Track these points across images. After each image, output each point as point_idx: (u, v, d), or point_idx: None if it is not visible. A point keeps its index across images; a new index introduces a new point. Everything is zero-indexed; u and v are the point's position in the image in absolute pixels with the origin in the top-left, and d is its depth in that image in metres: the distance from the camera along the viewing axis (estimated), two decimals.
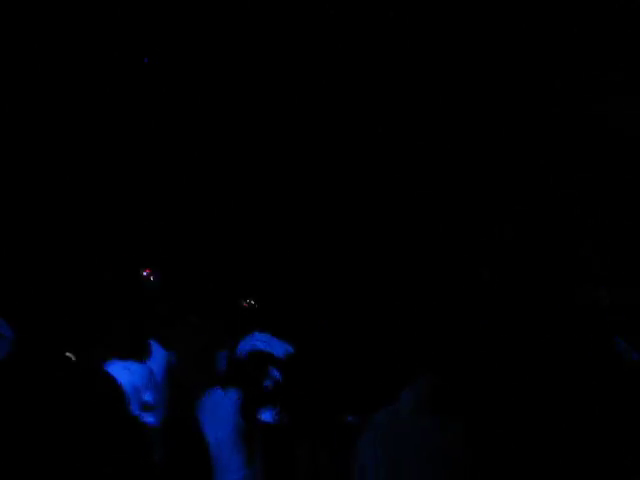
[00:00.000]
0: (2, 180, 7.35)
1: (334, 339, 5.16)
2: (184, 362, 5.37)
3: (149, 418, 4.86)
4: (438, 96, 8.12)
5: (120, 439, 2.58)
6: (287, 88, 8.28)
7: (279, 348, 5.05)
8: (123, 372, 4.77)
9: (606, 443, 2.57)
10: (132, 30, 7.15)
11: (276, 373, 4.81)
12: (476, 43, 7.58)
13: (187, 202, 9.02)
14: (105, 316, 6.88)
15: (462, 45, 7.64)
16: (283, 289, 8.59)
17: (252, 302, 8.67)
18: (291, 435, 4.36)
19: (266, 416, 4.27)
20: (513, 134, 8.12)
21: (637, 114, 7.15)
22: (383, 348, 4.76)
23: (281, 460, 4.31)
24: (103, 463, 2.33)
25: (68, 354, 4.80)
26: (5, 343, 4.19)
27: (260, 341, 4.77)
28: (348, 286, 8.31)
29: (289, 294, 8.27)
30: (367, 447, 2.52)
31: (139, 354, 5.02)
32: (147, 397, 4.72)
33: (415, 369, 2.61)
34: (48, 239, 7.90)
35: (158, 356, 5.28)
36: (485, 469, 2.35)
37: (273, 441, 4.26)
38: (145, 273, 8.85)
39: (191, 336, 5.65)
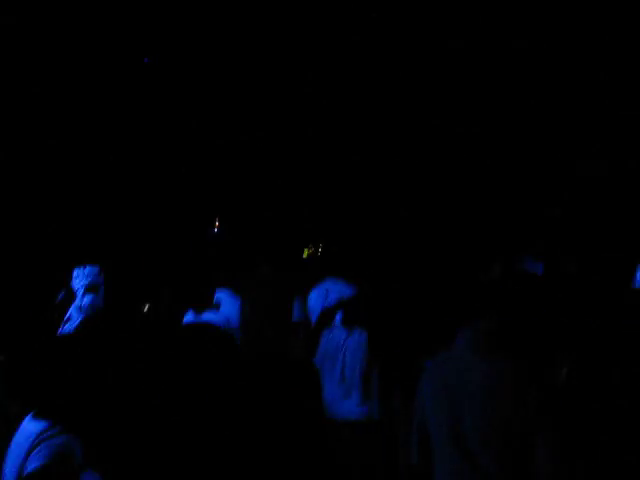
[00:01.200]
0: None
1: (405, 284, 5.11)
2: (259, 310, 5.44)
3: None
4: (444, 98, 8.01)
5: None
6: (287, 88, 8.19)
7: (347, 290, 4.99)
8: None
9: None
10: (132, 30, 7.12)
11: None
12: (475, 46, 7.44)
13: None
14: (180, 268, 7.03)
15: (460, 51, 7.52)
16: (350, 236, 8.59)
17: (320, 248, 8.73)
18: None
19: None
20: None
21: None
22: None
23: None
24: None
25: (147, 307, 4.94)
26: (101, 294, 4.34)
27: (335, 286, 4.73)
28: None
29: (357, 241, 8.26)
30: (427, 383, 2.56)
31: (214, 305, 5.13)
32: None
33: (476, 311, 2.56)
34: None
35: (233, 305, 5.37)
36: (535, 415, 2.26)
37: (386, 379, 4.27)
38: (215, 227, 8.97)
39: (264, 285, 5.70)
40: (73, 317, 4.26)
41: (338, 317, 4.42)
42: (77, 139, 7.61)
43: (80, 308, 4.24)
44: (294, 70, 8.02)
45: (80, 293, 4.30)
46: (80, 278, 4.34)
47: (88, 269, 4.38)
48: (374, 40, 7.73)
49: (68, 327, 4.15)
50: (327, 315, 4.53)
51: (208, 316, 4.85)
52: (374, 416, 4.14)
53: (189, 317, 4.89)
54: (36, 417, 2.24)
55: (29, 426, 2.22)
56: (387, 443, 4.10)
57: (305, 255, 8.46)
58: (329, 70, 8.03)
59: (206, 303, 5.01)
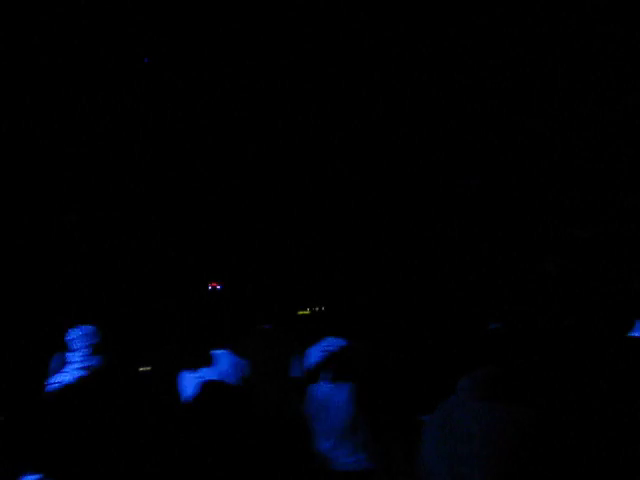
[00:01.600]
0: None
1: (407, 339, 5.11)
2: (257, 369, 5.40)
3: None
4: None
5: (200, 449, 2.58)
6: (287, 89, 8.27)
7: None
8: (197, 382, 4.86)
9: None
10: (132, 30, 7.19)
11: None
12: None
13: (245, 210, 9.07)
14: (176, 328, 6.98)
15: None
16: (349, 295, 8.57)
17: (319, 309, 8.72)
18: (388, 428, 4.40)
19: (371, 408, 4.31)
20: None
21: None
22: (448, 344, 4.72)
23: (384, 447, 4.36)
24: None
25: (143, 368, 4.90)
26: (101, 353, 4.27)
27: (334, 344, 4.76)
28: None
29: (355, 299, 8.24)
30: (427, 434, 2.52)
31: (211, 364, 5.11)
32: None
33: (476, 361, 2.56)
34: (122, 254, 8.05)
35: (230, 364, 5.34)
36: (536, 458, 2.24)
37: (378, 430, 4.32)
38: (212, 286, 8.96)
39: (262, 344, 5.67)
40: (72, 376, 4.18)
41: (324, 372, 4.49)
42: (76, 139, 7.61)
43: (86, 367, 4.16)
44: (294, 71, 8.05)
45: (84, 353, 4.22)
46: (79, 339, 4.27)
47: (86, 330, 4.32)
48: (373, 42, 7.79)
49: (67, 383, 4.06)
50: (316, 370, 4.58)
51: (204, 372, 4.85)
52: (367, 465, 4.20)
53: (184, 375, 4.89)
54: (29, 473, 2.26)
55: None
56: None
57: (305, 313, 8.44)
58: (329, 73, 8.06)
59: (203, 361, 5.00)
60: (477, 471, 2.27)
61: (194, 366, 4.98)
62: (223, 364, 5.28)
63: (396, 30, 7.45)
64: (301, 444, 4.25)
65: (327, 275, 9.22)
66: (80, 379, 3.86)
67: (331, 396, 4.29)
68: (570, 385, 2.69)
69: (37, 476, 2.26)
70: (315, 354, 4.70)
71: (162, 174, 8.51)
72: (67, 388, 2.60)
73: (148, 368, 4.91)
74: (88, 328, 4.26)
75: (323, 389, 4.37)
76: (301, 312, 8.82)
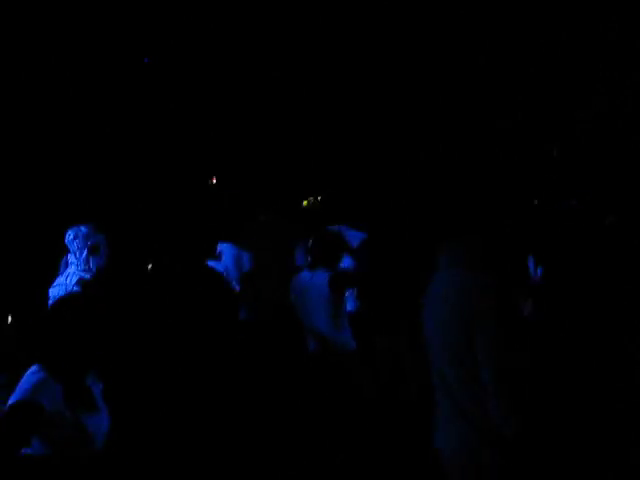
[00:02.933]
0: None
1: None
2: (259, 259, 5.42)
3: None
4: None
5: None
6: (287, 89, 8.04)
7: (353, 237, 5.01)
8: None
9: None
10: (132, 30, 6.97)
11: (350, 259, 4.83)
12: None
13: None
14: (177, 222, 6.98)
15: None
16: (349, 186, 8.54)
17: (319, 199, 8.67)
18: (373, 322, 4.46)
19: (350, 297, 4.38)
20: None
21: None
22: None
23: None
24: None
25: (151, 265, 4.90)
26: (103, 253, 4.22)
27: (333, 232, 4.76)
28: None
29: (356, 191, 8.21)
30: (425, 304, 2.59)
31: (212, 255, 5.13)
32: None
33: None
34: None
35: (232, 257, 5.36)
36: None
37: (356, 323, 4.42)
38: (211, 180, 8.90)
39: (263, 234, 5.66)
40: (72, 279, 4.17)
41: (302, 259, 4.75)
42: (76, 139, 7.55)
43: (86, 270, 4.13)
44: (294, 71, 7.93)
45: (84, 254, 4.17)
46: (80, 239, 4.21)
47: (85, 229, 4.25)
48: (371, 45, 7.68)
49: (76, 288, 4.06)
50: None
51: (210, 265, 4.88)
52: (349, 347, 4.36)
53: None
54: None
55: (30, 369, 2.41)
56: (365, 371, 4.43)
57: (305, 205, 8.39)
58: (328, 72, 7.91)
59: (208, 255, 5.02)
60: (440, 338, 2.38)
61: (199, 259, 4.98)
62: (227, 257, 5.30)
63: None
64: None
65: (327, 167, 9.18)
66: (80, 286, 3.85)
67: (309, 282, 4.36)
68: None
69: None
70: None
71: (159, 173, 8.43)
72: (65, 300, 2.59)
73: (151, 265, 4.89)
74: (86, 227, 4.19)
75: (302, 277, 4.45)
76: (305, 202, 8.80)
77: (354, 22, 8.08)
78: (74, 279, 4.02)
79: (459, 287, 2.35)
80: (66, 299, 2.66)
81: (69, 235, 4.19)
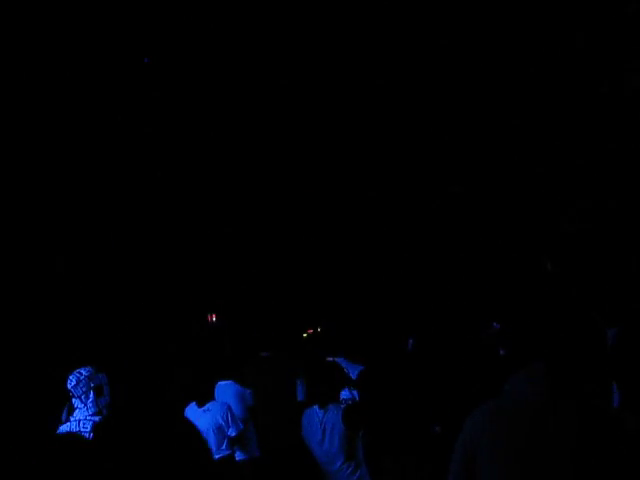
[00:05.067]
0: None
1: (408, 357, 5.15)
2: (261, 394, 5.43)
3: (238, 452, 5.13)
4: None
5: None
6: (287, 89, 8.25)
7: (352, 369, 5.05)
8: (203, 415, 4.91)
9: None
10: (132, 30, 7.14)
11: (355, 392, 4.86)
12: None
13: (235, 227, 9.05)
14: (179, 363, 6.96)
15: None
16: (346, 315, 8.57)
17: (318, 330, 8.73)
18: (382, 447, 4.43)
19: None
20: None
21: None
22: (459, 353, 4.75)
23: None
24: None
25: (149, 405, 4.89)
26: (107, 392, 4.22)
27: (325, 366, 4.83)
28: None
29: (353, 320, 8.25)
30: (481, 438, 2.37)
31: (215, 395, 5.15)
32: (231, 432, 4.90)
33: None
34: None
35: (234, 394, 5.37)
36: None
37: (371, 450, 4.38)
38: (210, 318, 8.97)
39: (265, 371, 5.69)
40: (86, 425, 4.15)
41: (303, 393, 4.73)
42: (75, 139, 7.55)
43: (96, 413, 4.11)
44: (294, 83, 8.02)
45: (90, 397, 4.17)
46: (83, 382, 4.22)
47: (86, 371, 4.27)
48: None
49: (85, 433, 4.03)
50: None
51: (208, 407, 4.91)
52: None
53: (191, 409, 4.94)
54: None
55: None
56: None
57: (305, 336, 8.45)
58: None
59: (207, 395, 5.04)
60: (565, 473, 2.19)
61: (201, 399, 5.00)
62: (228, 395, 5.31)
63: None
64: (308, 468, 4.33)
65: (326, 296, 9.24)
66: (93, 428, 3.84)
67: (323, 418, 4.34)
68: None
69: None
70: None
71: (158, 175, 8.44)
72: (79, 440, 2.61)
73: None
74: (87, 370, 4.20)
75: (315, 412, 4.42)
76: (304, 334, 8.84)
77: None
78: (88, 425, 3.99)
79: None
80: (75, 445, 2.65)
81: (71, 381, 4.15)
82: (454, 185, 8.99)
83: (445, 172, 8.85)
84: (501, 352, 4.80)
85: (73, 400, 4.12)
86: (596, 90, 7.36)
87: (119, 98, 7.61)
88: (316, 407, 4.44)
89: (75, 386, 4.14)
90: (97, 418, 4.01)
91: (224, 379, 5.51)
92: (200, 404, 4.95)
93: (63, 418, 4.26)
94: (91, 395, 4.09)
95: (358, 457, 4.33)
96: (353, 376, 5.04)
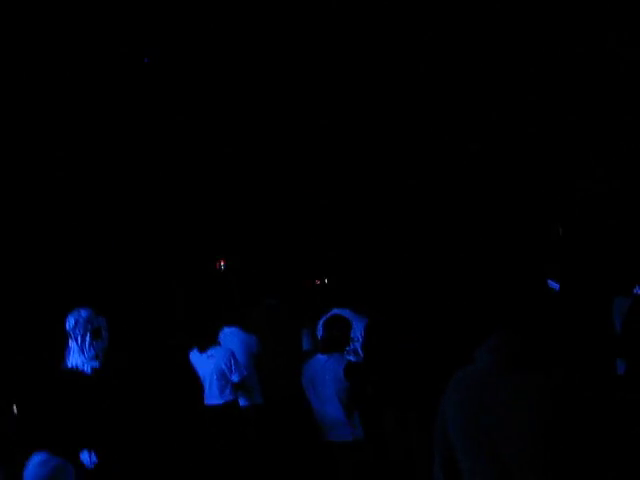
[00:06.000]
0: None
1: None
2: (265, 342, 5.40)
3: (241, 398, 5.12)
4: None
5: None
6: (287, 88, 8.19)
7: (358, 321, 5.00)
8: (207, 360, 4.88)
9: None
10: (132, 30, 7.11)
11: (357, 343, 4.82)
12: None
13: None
14: (187, 308, 6.97)
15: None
16: (354, 268, 8.53)
17: (325, 281, 8.69)
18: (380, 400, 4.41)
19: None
20: None
21: None
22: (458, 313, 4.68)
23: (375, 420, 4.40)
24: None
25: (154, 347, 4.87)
26: (105, 336, 4.14)
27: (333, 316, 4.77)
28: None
29: (361, 273, 8.21)
30: (448, 408, 2.32)
31: (220, 341, 5.12)
32: (234, 378, 4.89)
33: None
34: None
35: (239, 341, 5.34)
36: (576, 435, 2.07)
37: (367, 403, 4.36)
38: (219, 263, 8.95)
39: (271, 319, 5.66)
40: (82, 364, 4.10)
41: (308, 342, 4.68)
42: (75, 139, 7.56)
43: (92, 357, 4.06)
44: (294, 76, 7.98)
45: (87, 340, 4.10)
46: (81, 324, 4.13)
47: (85, 313, 4.17)
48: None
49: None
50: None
51: (211, 352, 4.90)
52: (358, 434, 4.29)
53: (195, 354, 4.91)
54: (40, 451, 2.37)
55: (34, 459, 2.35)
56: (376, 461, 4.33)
57: (312, 287, 8.42)
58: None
59: (210, 340, 5.00)
60: (519, 444, 2.12)
61: (205, 344, 4.97)
62: (233, 341, 5.28)
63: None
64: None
65: (335, 247, 9.20)
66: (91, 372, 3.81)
67: (323, 367, 4.30)
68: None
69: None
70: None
71: (158, 174, 8.47)
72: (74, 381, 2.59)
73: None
74: (86, 311, 4.10)
75: (317, 360, 4.39)
76: (313, 285, 8.82)
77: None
78: (88, 369, 3.94)
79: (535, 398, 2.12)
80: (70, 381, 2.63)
81: (70, 321, 4.03)
82: (471, 143, 8.87)
83: (458, 133, 8.74)
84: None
85: (70, 341, 4.03)
86: (615, 59, 7.24)
87: (119, 98, 7.57)
88: (319, 354, 4.41)
89: (73, 327, 4.04)
90: (95, 363, 3.93)
91: (230, 325, 5.48)
92: (201, 349, 4.92)
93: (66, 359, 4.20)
94: (88, 337, 3.99)
95: (353, 407, 4.28)
96: (358, 328, 5.00)
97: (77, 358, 4.01)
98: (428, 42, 7.55)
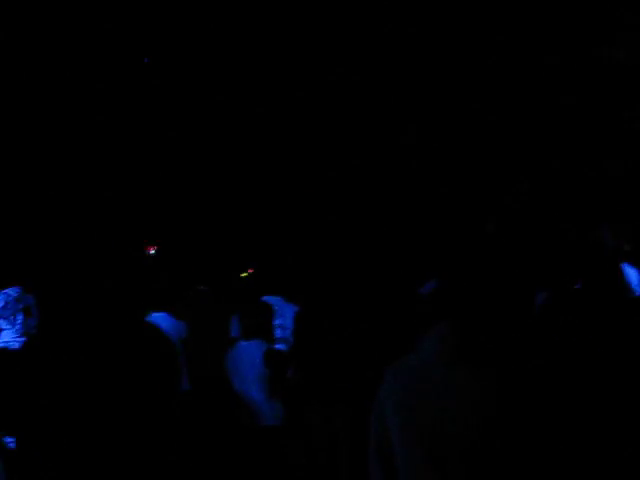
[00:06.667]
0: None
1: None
2: (196, 329, 5.41)
3: None
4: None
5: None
6: (287, 89, 8.24)
7: (288, 309, 5.08)
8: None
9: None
10: (132, 30, 7.08)
11: (287, 330, 4.90)
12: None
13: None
14: (114, 295, 6.86)
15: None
16: (285, 256, 8.60)
17: (256, 270, 8.73)
18: (306, 391, 4.49)
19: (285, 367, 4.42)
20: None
21: None
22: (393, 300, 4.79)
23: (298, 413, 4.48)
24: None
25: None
26: (35, 316, 4.12)
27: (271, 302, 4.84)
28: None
29: (292, 261, 8.28)
30: (387, 399, 2.25)
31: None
32: None
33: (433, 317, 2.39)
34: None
35: (168, 327, 5.33)
36: (521, 428, 2.08)
37: (291, 393, 4.44)
38: (148, 250, 8.87)
39: (200, 305, 5.68)
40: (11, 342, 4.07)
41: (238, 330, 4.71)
42: (74, 139, 7.45)
43: (25, 334, 4.03)
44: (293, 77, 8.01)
45: (19, 319, 4.08)
46: (11, 304, 4.11)
47: (14, 292, 4.15)
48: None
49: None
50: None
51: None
52: (279, 420, 4.39)
53: None
54: None
55: None
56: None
57: (243, 276, 8.43)
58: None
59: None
60: (461, 440, 2.07)
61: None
62: (161, 327, 5.26)
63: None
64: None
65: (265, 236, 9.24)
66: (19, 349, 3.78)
67: (243, 354, 4.42)
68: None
69: None
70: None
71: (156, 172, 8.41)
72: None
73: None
74: (15, 291, 4.09)
75: (238, 347, 4.51)
76: (244, 273, 8.84)
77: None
78: (16, 345, 3.93)
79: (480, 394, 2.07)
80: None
81: None
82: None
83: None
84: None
85: (0, 321, 4.03)
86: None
87: (119, 98, 7.47)
88: (242, 340, 4.49)
89: (3, 308, 4.05)
90: (24, 339, 3.94)
91: (158, 311, 5.46)
92: None
93: None
94: (19, 317, 4.00)
95: (273, 394, 4.37)
96: (287, 316, 5.07)
97: (7, 337, 4.01)
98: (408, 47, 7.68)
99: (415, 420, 2.13)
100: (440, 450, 2.07)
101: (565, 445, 2.14)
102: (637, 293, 4.32)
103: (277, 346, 4.75)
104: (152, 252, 8.86)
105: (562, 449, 2.13)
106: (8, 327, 4.01)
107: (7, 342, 3.96)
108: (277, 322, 5.12)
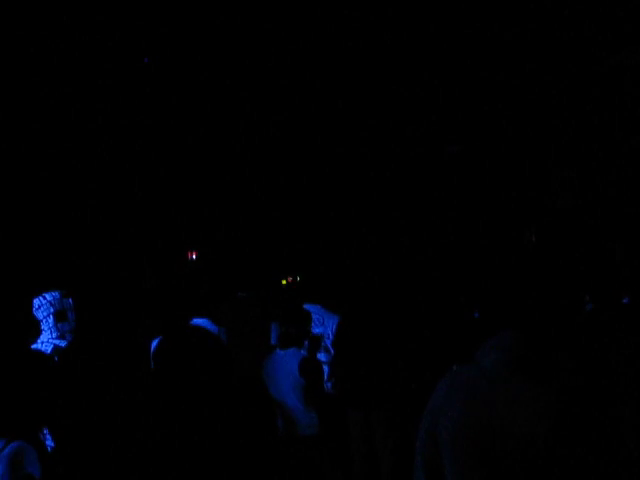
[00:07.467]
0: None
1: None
2: (235, 336, 5.38)
3: None
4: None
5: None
6: (287, 89, 8.22)
7: (329, 318, 5.01)
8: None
9: None
10: (132, 30, 7.12)
11: (328, 340, 4.82)
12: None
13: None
14: (154, 301, 6.91)
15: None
16: (326, 265, 8.56)
17: (297, 278, 8.70)
18: (346, 401, 4.41)
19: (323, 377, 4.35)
20: None
21: None
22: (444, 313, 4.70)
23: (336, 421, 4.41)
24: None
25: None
26: (72, 318, 4.17)
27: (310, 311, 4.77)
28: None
29: (333, 269, 8.23)
30: (441, 412, 2.09)
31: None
32: None
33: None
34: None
35: None
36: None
37: (329, 403, 4.37)
38: (190, 256, 8.91)
39: (238, 311, 5.64)
40: (47, 347, 4.12)
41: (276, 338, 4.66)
42: (74, 139, 7.55)
43: (60, 336, 4.08)
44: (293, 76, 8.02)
45: (50, 322, 4.12)
46: (44, 307, 4.17)
47: (49, 296, 4.21)
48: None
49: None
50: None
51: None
52: (315, 429, 4.31)
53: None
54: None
55: None
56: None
57: (284, 283, 8.43)
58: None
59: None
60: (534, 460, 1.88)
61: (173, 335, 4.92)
62: None
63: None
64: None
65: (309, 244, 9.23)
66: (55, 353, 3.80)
67: (279, 363, 4.37)
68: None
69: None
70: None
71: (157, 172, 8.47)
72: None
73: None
74: (51, 295, 4.14)
75: (275, 356, 4.46)
76: (284, 281, 8.84)
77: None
78: (49, 347, 3.98)
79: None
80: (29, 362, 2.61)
81: (34, 305, 4.11)
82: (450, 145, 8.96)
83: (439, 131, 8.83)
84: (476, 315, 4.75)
85: (40, 323, 4.11)
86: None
87: (119, 97, 7.55)
88: (278, 349, 4.44)
89: (37, 310, 4.14)
90: (59, 342, 3.98)
91: (199, 317, 5.45)
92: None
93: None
94: (51, 320, 4.06)
95: (309, 403, 4.31)
96: (328, 325, 5.00)
97: (43, 337, 4.08)
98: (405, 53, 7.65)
99: (476, 431, 1.98)
100: (501, 470, 1.90)
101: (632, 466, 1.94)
102: None
103: (318, 355, 4.68)
104: (193, 258, 8.90)
105: (631, 470, 1.93)
106: (45, 328, 4.09)
107: (43, 342, 4.05)
108: (317, 331, 5.05)
